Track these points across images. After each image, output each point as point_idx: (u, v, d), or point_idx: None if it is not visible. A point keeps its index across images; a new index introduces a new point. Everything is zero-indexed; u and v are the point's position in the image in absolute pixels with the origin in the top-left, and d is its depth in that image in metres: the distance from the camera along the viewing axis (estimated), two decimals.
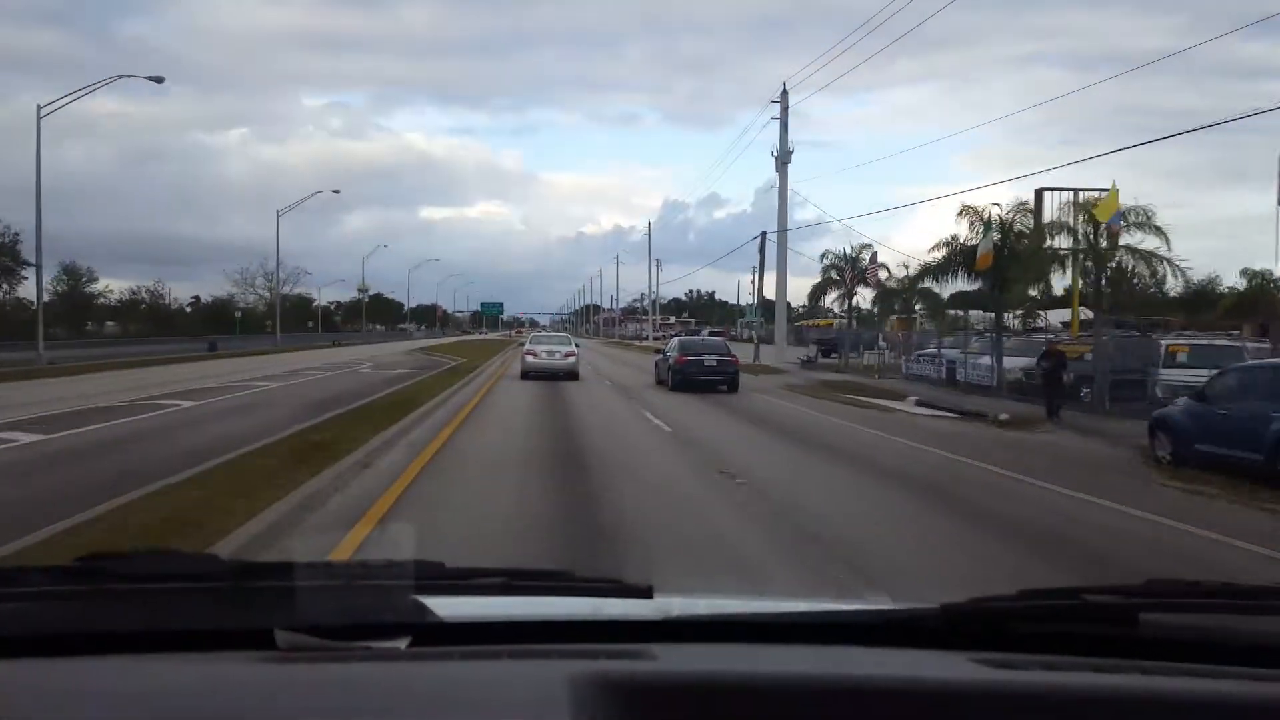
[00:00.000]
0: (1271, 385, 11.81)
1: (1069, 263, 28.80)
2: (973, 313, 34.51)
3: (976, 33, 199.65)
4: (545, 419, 17.34)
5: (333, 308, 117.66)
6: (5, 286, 57.30)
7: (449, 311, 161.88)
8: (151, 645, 1.39)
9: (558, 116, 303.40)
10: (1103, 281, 30.08)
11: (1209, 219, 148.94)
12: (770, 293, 46.36)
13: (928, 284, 34.94)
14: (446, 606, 1.48)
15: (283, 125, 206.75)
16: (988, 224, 24.82)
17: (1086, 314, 45.67)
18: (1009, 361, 24.78)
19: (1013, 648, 1.50)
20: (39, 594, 1.48)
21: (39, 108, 36.30)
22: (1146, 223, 27.86)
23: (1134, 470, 12.87)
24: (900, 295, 38.37)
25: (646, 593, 1.62)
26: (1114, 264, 29.20)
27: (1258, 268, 46.50)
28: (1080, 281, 30.78)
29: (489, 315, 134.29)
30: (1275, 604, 1.67)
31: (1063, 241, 28.06)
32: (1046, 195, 29.52)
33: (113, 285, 76.59)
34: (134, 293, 78.45)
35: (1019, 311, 48.11)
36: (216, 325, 73.01)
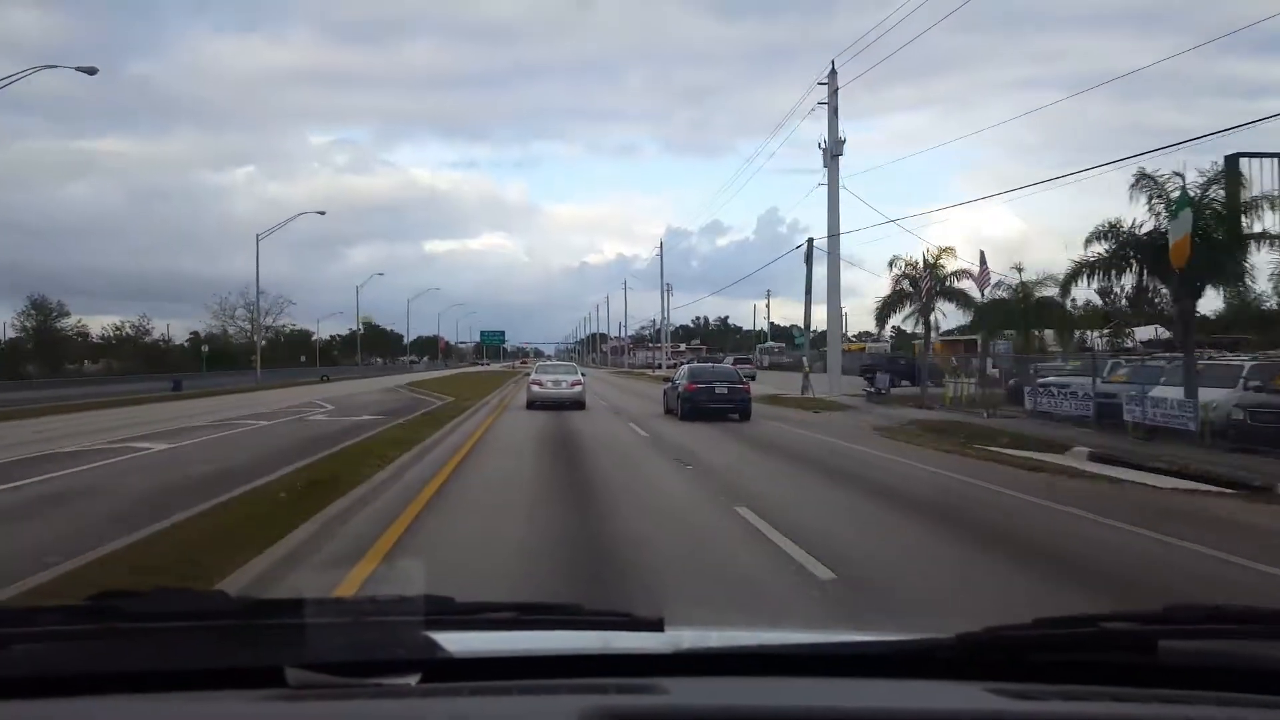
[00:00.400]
0: None
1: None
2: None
3: (975, 56, 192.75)
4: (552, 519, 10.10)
5: (332, 340, 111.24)
6: None
7: (451, 343, 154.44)
8: (163, 684, 1.36)
9: (559, 148, 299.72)
10: None
11: None
12: (817, 313, 38.37)
13: (1048, 292, 27.65)
14: (456, 642, 1.47)
15: (289, 163, 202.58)
16: (1180, 200, 17.46)
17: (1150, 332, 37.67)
18: (1204, 393, 17.45)
19: (1030, 678, 1.46)
20: (51, 634, 1.46)
21: None
22: None
23: None
24: (1017, 305, 29.40)
25: (657, 625, 1.58)
26: None
27: None
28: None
29: (490, 345, 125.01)
30: None
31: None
32: (1244, 165, 21.26)
33: (87, 321, 73.26)
34: (118, 328, 74.64)
35: (1105, 330, 40.52)
36: (209, 361, 68.44)
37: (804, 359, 37.51)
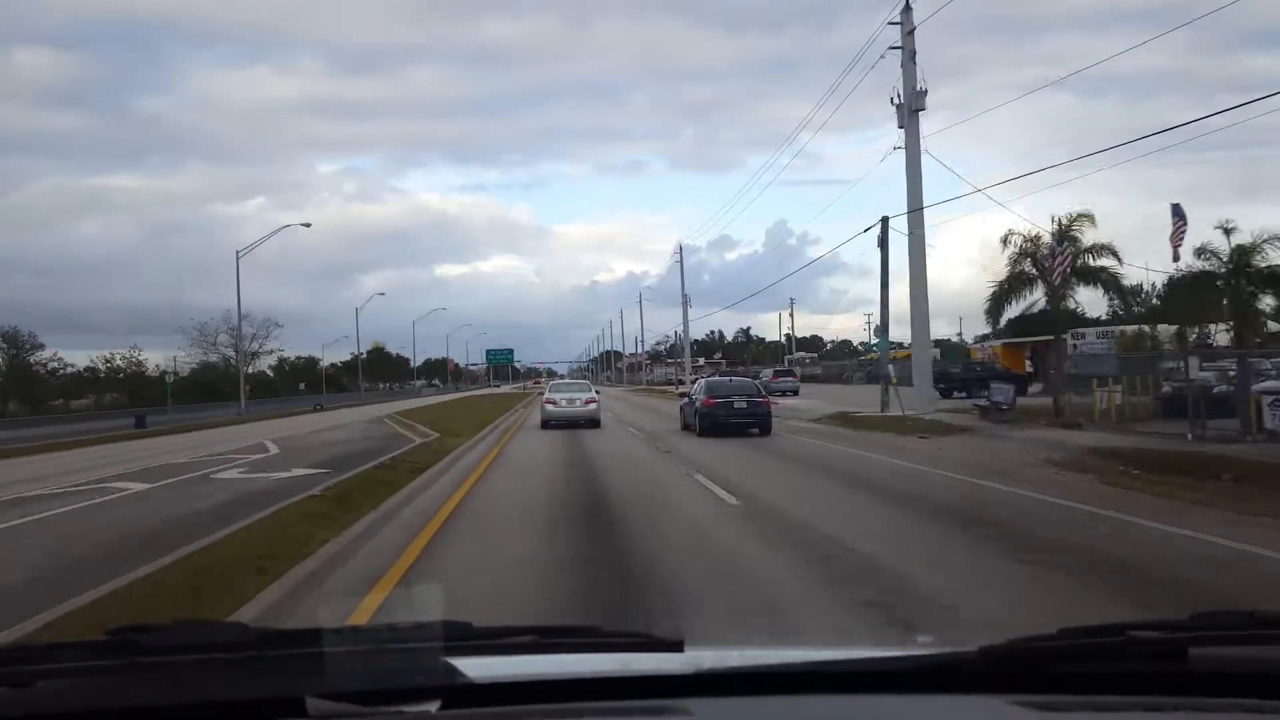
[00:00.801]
0: None
1: None
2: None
3: (978, 62, 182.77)
4: None
5: (334, 368, 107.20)
6: None
7: (462, 365, 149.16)
8: (185, 717, 1.36)
9: (567, 168, 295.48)
10: None
11: None
12: (898, 308, 29.76)
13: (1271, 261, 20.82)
14: (476, 667, 1.45)
15: (299, 192, 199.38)
16: None
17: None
18: None
19: (1056, 689, 1.43)
20: (73, 670, 1.45)
21: None
22: None
23: None
24: (1231, 280, 21.38)
25: (678, 646, 1.55)
26: None
27: None
28: None
29: (497, 364, 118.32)
30: None
31: None
32: None
33: (64, 354, 67.68)
34: (108, 360, 71.46)
35: (1224, 325, 33.94)
36: (204, 392, 66.35)
37: (889, 368, 30.50)
